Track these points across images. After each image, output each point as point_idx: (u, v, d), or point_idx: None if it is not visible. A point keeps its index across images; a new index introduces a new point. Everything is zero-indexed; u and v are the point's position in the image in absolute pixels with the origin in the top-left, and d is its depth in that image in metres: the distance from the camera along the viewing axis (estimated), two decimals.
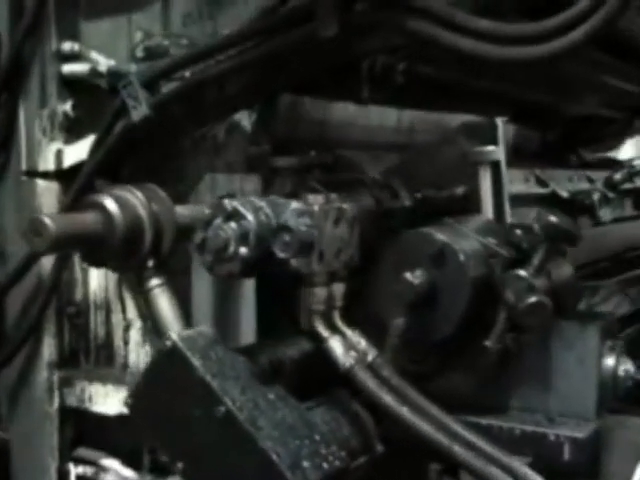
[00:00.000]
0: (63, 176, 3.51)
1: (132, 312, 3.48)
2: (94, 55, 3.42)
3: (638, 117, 5.38)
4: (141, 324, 3.46)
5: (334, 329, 2.63)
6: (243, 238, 2.49)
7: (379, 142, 4.08)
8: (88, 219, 2.66)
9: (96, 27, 3.53)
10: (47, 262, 3.42)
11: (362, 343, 2.62)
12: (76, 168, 3.46)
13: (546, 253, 2.59)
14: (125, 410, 2.66)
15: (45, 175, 3.50)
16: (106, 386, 3.42)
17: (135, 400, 2.56)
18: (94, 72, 3.40)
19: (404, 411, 2.48)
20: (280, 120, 3.52)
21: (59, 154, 3.48)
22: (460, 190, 3.03)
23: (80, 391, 3.49)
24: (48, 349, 3.52)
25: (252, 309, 3.09)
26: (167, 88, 3.18)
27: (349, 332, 2.63)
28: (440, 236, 2.62)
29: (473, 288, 2.58)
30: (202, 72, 3.07)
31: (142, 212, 2.72)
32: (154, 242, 2.74)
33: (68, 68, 3.48)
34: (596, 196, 4.25)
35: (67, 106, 3.50)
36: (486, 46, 2.51)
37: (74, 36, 3.54)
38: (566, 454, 2.55)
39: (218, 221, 2.53)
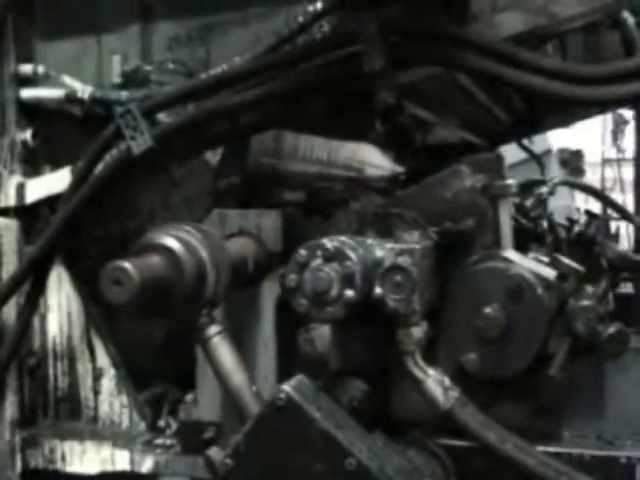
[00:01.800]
0: (24, 213, 3.12)
1: (103, 360, 3.17)
2: (67, 80, 3.08)
3: (498, 145, 5.63)
4: (115, 372, 3.15)
5: (420, 369, 2.54)
6: (348, 280, 2.34)
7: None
8: (161, 264, 2.39)
9: (57, 48, 3.19)
10: (9, 310, 3.03)
11: (446, 381, 2.56)
12: (37, 205, 3.11)
13: (610, 283, 2.65)
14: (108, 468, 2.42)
15: (4, 212, 3.10)
16: (83, 443, 3.07)
17: (238, 460, 2.33)
18: (69, 98, 3.05)
19: (509, 448, 2.45)
20: (256, 153, 3.36)
21: (20, 189, 3.10)
22: (471, 223, 3.03)
23: (49, 450, 3.10)
24: (10, 408, 3.11)
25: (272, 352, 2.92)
26: (169, 118, 2.94)
27: (432, 371, 2.56)
28: (518, 270, 2.61)
29: (548, 321, 2.59)
30: (217, 102, 2.86)
31: (204, 254, 2.48)
32: (215, 286, 2.51)
33: (29, 93, 3.11)
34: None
35: (27, 135, 3.12)
36: (559, 85, 2.55)
37: (30, 58, 3.16)
38: (638, 475, 2.62)
39: (317, 262, 2.37)
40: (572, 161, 9.00)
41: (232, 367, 2.52)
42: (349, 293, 2.32)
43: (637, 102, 2.57)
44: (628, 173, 8.51)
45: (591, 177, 9.36)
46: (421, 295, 2.42)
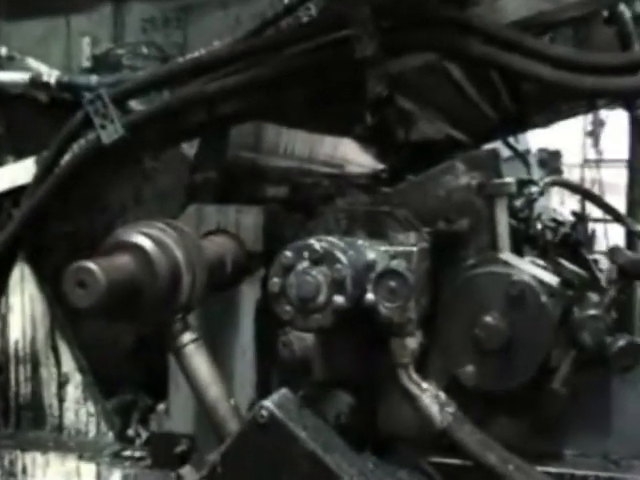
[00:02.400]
0: None
1: (69, 365, 2.90)
2: (32, 63, 2.80)
3: (483, 143, 5.41)
4: (81, 378, 2.89)
5: (414, 383, 2.29)
6: (337, 285, 2.09)
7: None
8: (131, 264, 2.13)
9: (22, 29, 2.91)
10: None
11: (442, 396, 2.32)
12: None
13: (618, 291, 2.42)
14: None
15: None
16: (46, 454, 2.80)
17: None
18: (34, 82, 2.77)
19: (511, 470, 2.21)
20: (235, 146, 3.10)
21: None
22: (466, 223, 2.78)
23: (9, 462, 2.83)
24: None
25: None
26: (142, 105, 2.67)
27: (427, 385, 2.31)
28: (520, 276, 2.37)
29: (552, 331, 2.36)
30: (195, 89, 2.60)
31: (178, 254, 2.22)
32: (190, 289, 2.25)
33: None
34: None
35: None
36: (570, 75, 2.31)
37: None
38: None
39: (304, 265, 2.11)
40: (551, 161, 8.79)
41: (208, 379, 2.27)
42: (338, 299, 2.07)
43: None
44: (606, 175, 8.33)
45: (569, 178, 9.14)
46: (417, 302, 2.17)
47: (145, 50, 2.79)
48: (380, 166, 5.08)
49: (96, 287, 1.96)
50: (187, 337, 2.28)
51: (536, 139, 8.27)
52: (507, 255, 2.59)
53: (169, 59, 2.78)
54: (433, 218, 2.72)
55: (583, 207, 7.80)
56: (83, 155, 2.62)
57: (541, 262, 2.71)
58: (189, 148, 2.99)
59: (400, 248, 2.18)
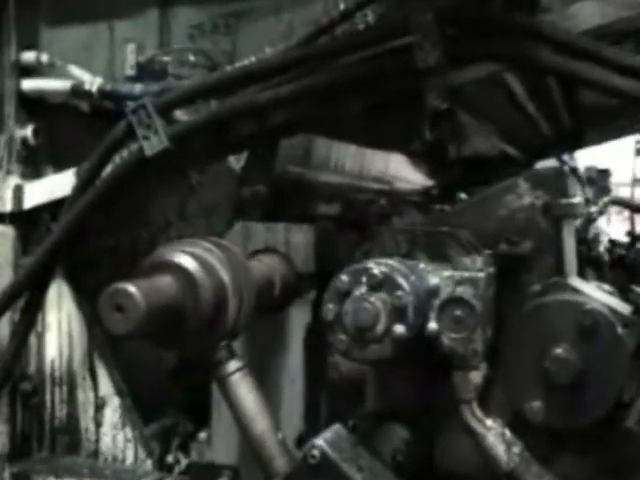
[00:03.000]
0: (22, 219, 2.67)
1: (107, 388, 2.71)
2: (74, 70, 2.63)
3: (537, 159, 5.18)
4: (119, 402, 2.70)
5: (478, 420, 2.07)
6: (398, 313, 1.88)
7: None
8: (173, 287, 1.94)
9: (64, 35, 2.74)
10: (2, 328, 2.58)
11: (507, 434, 2.10)
12: (37, 210, 2.67)
13: None
14: None
15: (0, 218, 2.65)
16: None
17: None
18: (76, 91, 2.60)
19: None
20: (284, 160, 2.91)
21: (18, 192, 2.64)
22: (529, 245, 2.56)
23: None
24: (0, 438, 2.66)
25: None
26: (188, 116, 2.49)
27: (491, 422, 2.09)
28: (593, 305, 2.14)
29: (627, 365, 2.13)
30: (245, 99, 2.41)
31: (224, 276, 2.03)
32: (236, 314, 2.06)
33: (31, 84, 2.66)
34: None
35: (27, 131, 2.67)
36: None
37: (33, 45, 2.71)
38: None
39: (361, 291, 1.91)
40: (600, 180, 8.50)
41: (254, 411, 2.07)
42: (399, 329, 1.86)
43: None
44: None
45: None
46: (484, 333, 1.95)
47: (192, 58, 2.61)
48: (431, 183, 4.87)
49: (135, 312, 1.77)
50: (232, 365, 2.09)
51: (583, 157, 8.02)
52: (575, 280, 2.36)
53: (217, 67, 2.59)
54: (494, 240, 2.50)
55: (633, 227, 7.52)
56: (125, 167, 2.44)
57: (608, 287, 2.48)
58: (236, 162, 2.81)
59: (466, 273, 1.96)
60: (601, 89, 2.14)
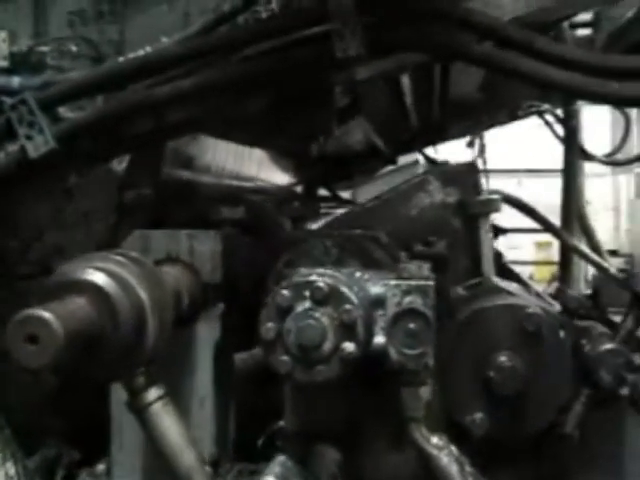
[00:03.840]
0: None
1: None
2: None
3: (400, 153, 5.07)
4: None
5: (426, 439, 1.90)
6: (347, 329, 1.68)
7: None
8: (88, 309, 1.66)
9: None
10: None
11: (455, 451, 1.93)
12: None
13: (637, 321, 2.09)
14: None
15: None
16: None
17: None
18: None
19: None
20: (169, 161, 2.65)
21: None
22: (444, 245, 2.42)
23: None
24: None
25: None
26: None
27: (437, 439, 1.92)
28: (535, 309, 2.01)
29: (573, 369, 2.02)
30: (143, 93, 2.14)
31: (142, 293, 1.77)
32: (156, 335, 1.80)
33: None
34: None
35: None
36: (590, 81, 1.96)
37: None
38: None
39: (305, 306, 1.69)
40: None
41: (180, 444, 1.84)
42: (349, 347, 1.66)
43: None
44: (494, 184, 8.15)
45: None
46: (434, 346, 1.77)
47: (74, 48, 2.30)
48: (296, 179, 4.68)
49: (52, 342, 1.51)
50: (153, 394, 1.84)
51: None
52: (501, 281, 2.23)
53: (103, 58, 2.30)
54: (405, 240, 2.34)
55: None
56: (3, 171, 2.12)
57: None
58: (118, 163, 2.52)
59: (414, 282, 1.77)
60: (535, 82, 1.99)
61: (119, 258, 1.80)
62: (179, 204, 2.75)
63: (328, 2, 2.02)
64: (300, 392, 2.11)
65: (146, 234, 2.22)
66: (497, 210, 2.40)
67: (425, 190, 2.48)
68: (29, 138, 2.11)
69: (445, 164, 3.00)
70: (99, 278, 1.70)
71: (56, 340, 1.50)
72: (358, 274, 1.87)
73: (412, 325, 1.72)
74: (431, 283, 1.79)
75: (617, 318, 4.76)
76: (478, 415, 1.99)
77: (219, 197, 2.72)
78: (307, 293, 1.70)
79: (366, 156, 4.64)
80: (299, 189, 4.83)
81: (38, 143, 2.11)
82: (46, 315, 1.51)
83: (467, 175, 2.50)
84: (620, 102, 2.18)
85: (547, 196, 12.09)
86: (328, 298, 1.69)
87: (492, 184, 7.92)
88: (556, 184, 11.33)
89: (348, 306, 1.68)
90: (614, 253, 10.02)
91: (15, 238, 2.61)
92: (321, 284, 1.69)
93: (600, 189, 11.15)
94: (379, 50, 2.09)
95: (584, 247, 3.85)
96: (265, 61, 2.11)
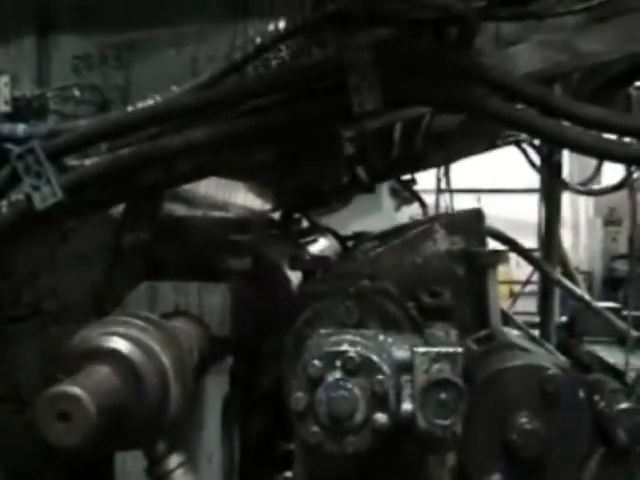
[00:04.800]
0: None
1: None
2: None
3: (378, 181, 5.05)
4: None
5: None
6: (379, 399, 1.66)
7: None
8: (115, 380, 1.61)
9: None
10: None
11: None
12: None
13: None
14: None
15: None
16: None
17: None
18: None
19: None
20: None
21: None
22: (449, 296, 2.41)
23: None
24: None
25: None
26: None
27: None
28: (554, 370, 2.00)
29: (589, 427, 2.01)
30: (155, 144, 2.10)
31: (165, 359, 1.73)
32: (179, 401, 1.76)
33: None
34: None
35: None
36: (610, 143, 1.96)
37: None
38: None
39: (336, 376, 1.66)
40: (403, 190, 8.52)
41: None
42: (381, 418, 1.63)
43: None
44: (460, 203, 8.17)
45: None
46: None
47: (77, 93, 2.24)
48: (274, 208, 4.64)
49: (85, 420, 1.47)
50: (174, 461, 1.80)
51: None
52: (510, 335, 2.22)
53: (108, 104, 2.25)
54: (410, 288, 2.32)
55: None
56: (8, 221, 2.06)
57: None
58: (115, 206, 2.48)
59: (443, 349, 1.75)
60: (555, 142, 1.99)
61: (139, 322, 1.76)
62: (175, 245, 2.70)
63: (345, 55, 1.99)
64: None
65: (154, 286, 2.18)
66: (505, 262, 2.39)
67: (431, 238, 2.46)
68: (36, 189, 2.05)
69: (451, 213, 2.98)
70: (123, 346, 1.66)
71: (89, 418, 1.47)
72: (381, 337, 1.84)
73: (443, 395, 1.69)
74: (460, 350, 1.77)
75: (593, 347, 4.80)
76: (496, 477, 1.97)
77: (221, 241, 2.67)
78: (338, 363, 1.67)
79: (346, 185, 4.61)
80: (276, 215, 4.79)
81: (45, 194, 2.05)
82: (78, 392, 1.47)
83: (473, 223, 2.48)
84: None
85: (506, 212, 12.23)
86: (360, 368, 1.67)
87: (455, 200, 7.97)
88: (515, 201, 11.36)
89: (380, 377, 1.65)
90: None
91: (9, 280, 2.56)
92: (353, 354, 1.66)
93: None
94: (394, 104, 2.06)
95: (566, 281, 3.86)
96: (277, 114, 2.07)
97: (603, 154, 1.96)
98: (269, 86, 2.08)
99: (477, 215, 2.51)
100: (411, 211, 8.21)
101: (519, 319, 4.02)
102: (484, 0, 2.08)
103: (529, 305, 7.54)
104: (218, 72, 2.15)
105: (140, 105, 2.15)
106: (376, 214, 7.16)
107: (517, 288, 8.71)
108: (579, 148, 1.97)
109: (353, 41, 2.02)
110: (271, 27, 2.18)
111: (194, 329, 2.15)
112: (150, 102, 2.15)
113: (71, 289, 2.55)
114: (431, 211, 8.01)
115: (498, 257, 2.36)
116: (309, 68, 2.07)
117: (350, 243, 4.77)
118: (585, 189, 4.60)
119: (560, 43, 2.13)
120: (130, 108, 2.15)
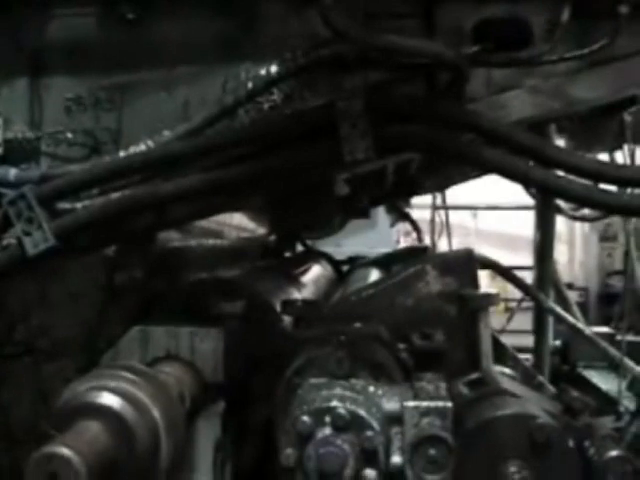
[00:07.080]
0: None
1: None
2: None
3: (374, 205, 5.07)
4: None
5: None
6: (368, 455, 1.67)
7: None
8: (105, 437, 1.62)
9: None
10: None
11: None
12: None
13: None
14: None
15: None
16: None
17: None
18: None
19: None
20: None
21: None
22: (441, 338, 2.42)
23: None
24: None
25: None
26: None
27: None
28: (545, 419, 2.01)
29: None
30: (148, 190, 2.11)
31: (156, 413, 1.74)
32: (170, 455, 1.77)
33: None
34: None
35: None
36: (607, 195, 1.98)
37: None
38: None
39: (326, 432, 1.67)
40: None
41: None
42: (370, 474, 1.64)
43: None
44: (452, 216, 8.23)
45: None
46: None
47: (70, 135, 2.25)
48: (269, 234, 4.66)
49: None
50: None
51: None
52: (501, 379, 2.24)
53: (100, 147, 2.26)
54: (401, 330, 2.34)
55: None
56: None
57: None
58: None
59: (432, 403, 1.76)
60: (547, 191, 2.00)
61: (129, 375, 1.76)
62: (169, 280, 2.71)
63: (336, 104, 2.00)
64: None
65: (145, 330, 2.18)
66: (495, 304, 2.40)
67: (423, 280, 2.47)
68: (27, 234, 2.07)
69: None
70: (113, 402, 1.67)
71: (78, 479, 1.47)
72: (372, 389, 1.85)
73: (433, 451, 1.70)
74: (449, 404, 1.78)
75: (586, 373, 4.81)
76: None
77: (214, 280, 2.68)
78: (328, 419, 1.68)
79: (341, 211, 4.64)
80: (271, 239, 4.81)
81: (37, 240, 2.06)
82: (67, 453, 1.47)
83: (465, 264, 2.49)
84: (633, 214, 2.19)
85: (501, 227, 12.26)
86: (349, 425, 1.67)
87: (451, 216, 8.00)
88: (510, 215, 11.35)
89: (370, 433, 1.67)
90: (569, 286, 10.13)
91: (1, 318, 2.56)
92: (342, 411, 1.67)
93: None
94: (386, 151, 2.08)
95: (560, 310, 3.87)
96: (270, 160, 2.08)
97: (596, 204, 1.97)
98: (260, 134, 2.09)
99: (468, 255, 2.52)
100: (406, 227, 8.25)
101: (513, 340, 4.02)
102: (476, 46, 2.09)
103: (525, 320, 7.54)
104: (210, 116, 2.16)
105: (132, 150, 2.15)
106: (371, 230, 7.18)
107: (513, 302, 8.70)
108: (572, 198, 1.99)
109: (345, 84, 2.04)
110: (263, 71, 2.18)
111: (186, 374, 2.15)
112: (142, 147, 2.16)
113: (63, 327, 2.56)
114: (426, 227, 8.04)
115: (490, 300, 2.37)
116: (300, 116, 2.09)
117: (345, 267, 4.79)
118: (579, 215, 4.60)
119: (552, 89, 2.15)
120: (122, 153, 2.16)
